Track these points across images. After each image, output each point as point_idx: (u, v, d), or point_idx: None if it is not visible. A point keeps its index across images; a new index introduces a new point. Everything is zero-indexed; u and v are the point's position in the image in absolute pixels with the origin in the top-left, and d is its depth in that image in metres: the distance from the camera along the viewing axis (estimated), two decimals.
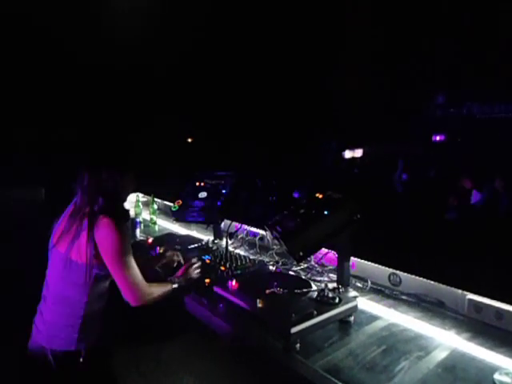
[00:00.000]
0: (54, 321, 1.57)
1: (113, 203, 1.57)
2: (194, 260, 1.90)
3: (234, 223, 2.50)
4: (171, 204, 2.57)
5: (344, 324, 1.51)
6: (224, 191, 2.45)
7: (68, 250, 1.52)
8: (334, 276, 1.92)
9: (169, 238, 2.53)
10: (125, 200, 1.71)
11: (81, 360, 1.56)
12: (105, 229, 1.49)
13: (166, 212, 3.38)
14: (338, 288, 1.57)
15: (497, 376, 1.19)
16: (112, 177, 1.57)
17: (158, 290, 1.63)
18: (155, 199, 3.32)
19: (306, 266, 2.08)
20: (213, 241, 2.52)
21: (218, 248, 2.37)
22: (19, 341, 1.59)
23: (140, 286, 1.55)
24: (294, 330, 1.31)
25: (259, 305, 1.45)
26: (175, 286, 1.71)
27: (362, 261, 1.96)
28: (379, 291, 1.83)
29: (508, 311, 1.46)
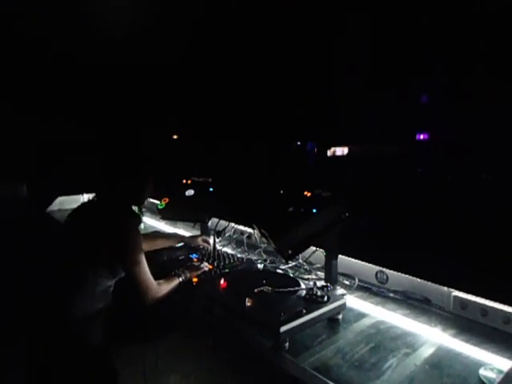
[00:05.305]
0: None
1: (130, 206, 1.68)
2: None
3: (222, 221, 2.48)
4: (157, 202, 2.54)
5: (332, 322, 1.52)
6: (211, 189, 2.43)
7: None
8: (321, 274, 1.92)
9: None
10: (142, 203, 1.87)
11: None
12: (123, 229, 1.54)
13: (151, 210, 3.33)
14: (327, 286, 1.58)
15: (482, 371, 1.22)
16: (130, 184, 1.67)
17: (166, 287, 1.63)
18: None
19: (293, 264, 2.09)
20: None
21: (205, 246, 2.35)
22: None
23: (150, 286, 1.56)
24: (283, 328, 1.30)
25: (248, 304, 1.45)
26: (181, 279, 1.71)
27: (349, 258, 1.97)
28: (366, 289, 1.85)
29: (492, 308, 1.49)
